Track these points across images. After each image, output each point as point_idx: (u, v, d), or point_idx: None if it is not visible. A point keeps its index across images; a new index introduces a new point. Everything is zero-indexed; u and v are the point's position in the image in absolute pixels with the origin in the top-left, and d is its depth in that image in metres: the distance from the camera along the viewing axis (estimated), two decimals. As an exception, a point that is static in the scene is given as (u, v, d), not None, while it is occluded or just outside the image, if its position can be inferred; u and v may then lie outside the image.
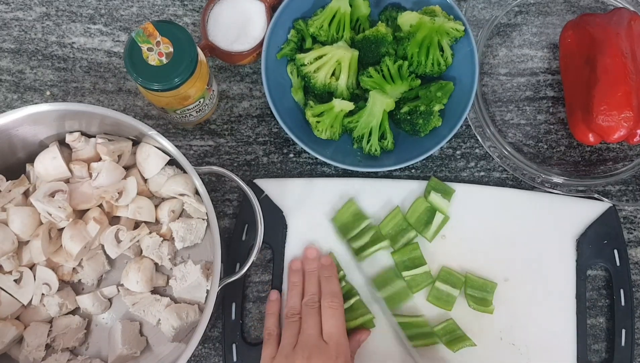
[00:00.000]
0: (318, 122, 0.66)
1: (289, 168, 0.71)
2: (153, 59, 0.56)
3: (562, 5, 0.76)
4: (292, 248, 0.67)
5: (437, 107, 0.65)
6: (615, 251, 0.67)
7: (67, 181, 0.62)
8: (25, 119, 0.57)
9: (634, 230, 0.70)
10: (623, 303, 0.66)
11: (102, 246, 0.62)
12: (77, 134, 0.61)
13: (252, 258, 0.58)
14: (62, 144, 0.63)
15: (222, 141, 0.71)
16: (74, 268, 0.62)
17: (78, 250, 0.58)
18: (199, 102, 0.63)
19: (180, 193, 0.61)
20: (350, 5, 0.67)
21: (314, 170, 0.71)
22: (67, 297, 0.61)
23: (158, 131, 0.59)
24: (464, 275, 0.66)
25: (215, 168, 0.60)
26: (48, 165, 0.60)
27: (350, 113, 0.66)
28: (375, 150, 0.66)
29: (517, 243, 0.68)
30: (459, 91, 0.67)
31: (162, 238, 0.62)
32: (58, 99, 0.72)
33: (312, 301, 0.62)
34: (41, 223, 0.60)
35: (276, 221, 0.68)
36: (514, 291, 0.66)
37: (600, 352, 0.67)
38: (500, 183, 0.71)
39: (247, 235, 0.68)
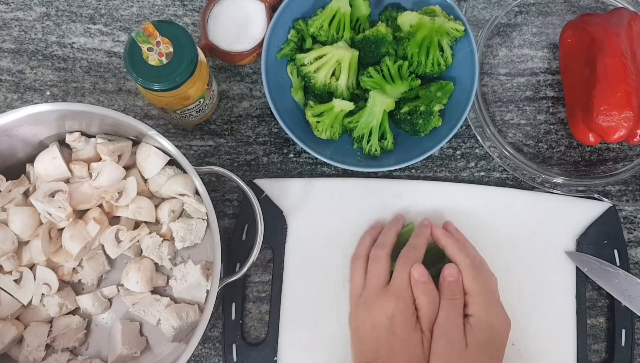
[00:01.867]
0: (318, 122, 0.66)
1: (289, 168, 0.71)
2: (153, 59, 0.56)
3: (562, 5, 0.76)
4: (292, 248, 0.67)
5: (437, 107, 0.65)
6: (615, 251, 0.67)
7: (67, 181, 0.62)
8: (25, 119, 0.57)
9: (634, 230, 0.70)
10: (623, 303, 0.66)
11: (102, 246, 0.62)
12: (77, 134, 0.61)
13: (252, 258, 0.58)
14: (62, 144, 0.63)
15: (222, 141, 0.71)
16: (74, 268, 0.62)
17: (78, 250, 0.58)
18: (199, 102, 0.63)
19: (180, 193, 0.61)
20: (350, 5, 0.67)
21: (314, 170, 0.71)
22: (67, 297, 0.61)
23: (158, 131, 0.59)
24: None
25: (215, 168, 0.60)
26: (48, 165, 0.60)
27: (350, 113, 0.66)
28: (375, 150, 0.66)
29: (517, 243, 0.68)
30: (459, 91, 0.67)
31: (162, 238, 0.62)
32: (58, 99, 0.72)
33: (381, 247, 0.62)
34: (41, 223, 0.60)
35: (276, 221, 0.68)
36: (513, 292, 0.66)
37: (600, 352, 0.67)
38: (500, 183, 0.71)
39: (247, 235, 0.68)
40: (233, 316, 0.66)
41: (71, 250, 0.59)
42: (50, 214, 0.59)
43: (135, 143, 0.63)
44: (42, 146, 0.62)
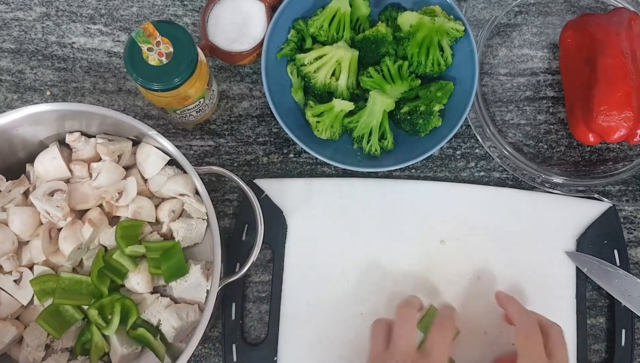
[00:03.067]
0: (318, 122, 0.66)
1: (289, 168, 0.71)
2: (153, 59, 0.56)
3: (562, 5, 0.76)
4: (292, 248, 0.67)
5: (437, 107, 0.65)
6: (615, 251, 0.67)
7: (67, 181, 0.62)
8: (25, 119, 0.57)
9: (634, 230, 0.70)
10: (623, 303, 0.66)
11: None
12: (77, 134, 0.61)
13: (252, 258, 0.58)
14: (62, 144, 0.63)
15: (222, 141, 0.71)
16: (74, 269, 0.62)
17: (70, 250, 0.58)
18: (199, 102, 0.63)
19: (180, 193, 0.61)
20: (350, 5, 0.67)
21: (314, 170, 0.71)
22: (67, 297, 0.61)
23: (158, 131, 0.59)
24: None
25: (215, 168, 0.60)
26: (48, 165, 0.60)
27: (350, 113, 0.66)
28: (375, 150, 0.66)
29: (517, 243, 0.68)
30: (459, 91, 0.67)
31: (162, 238, 0.62)
32: (58, 99, 0.72)
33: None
34: (41, 223, 0.60)
35: (276, 221, 0.68)
36: (514, 292, 0.66)
37: (600, 352, 0.67)
38: (500, 183, 0.71)
39: (247, 235, 0.68)
40: (233, 317, 0.66)
41: (64, 250, 0.58)
42: (49, 214, 0.59)
43: (135, 142, 0.63)
44: (42, 146, 0.62)
